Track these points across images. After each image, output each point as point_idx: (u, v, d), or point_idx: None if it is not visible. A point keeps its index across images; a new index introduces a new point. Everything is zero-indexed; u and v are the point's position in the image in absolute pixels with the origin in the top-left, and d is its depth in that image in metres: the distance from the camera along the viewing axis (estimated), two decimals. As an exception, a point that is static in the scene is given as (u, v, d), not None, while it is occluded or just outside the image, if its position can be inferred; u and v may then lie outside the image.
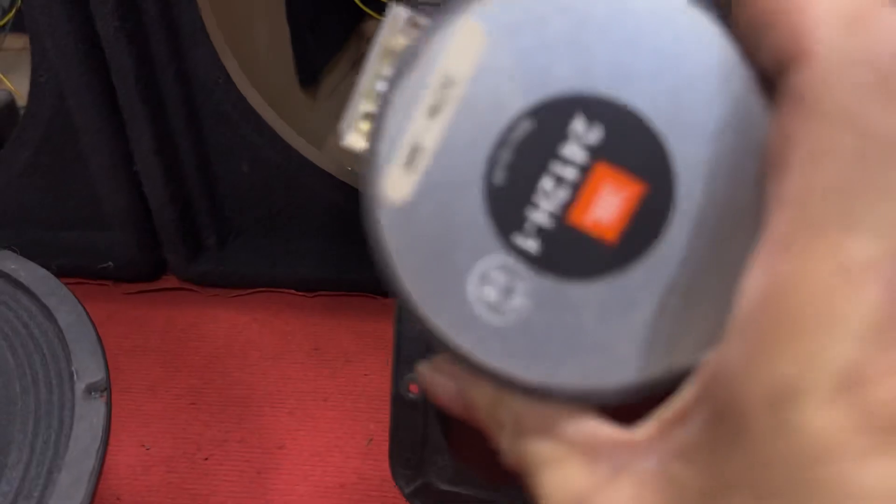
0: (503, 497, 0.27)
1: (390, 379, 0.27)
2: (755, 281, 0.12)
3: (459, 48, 0.13)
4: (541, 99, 0.13)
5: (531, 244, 0.13)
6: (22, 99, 0.53)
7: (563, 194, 0.13)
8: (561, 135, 0.13)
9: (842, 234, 0.11)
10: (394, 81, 0.14)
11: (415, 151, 0.14)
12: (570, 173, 0.13)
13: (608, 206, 0.13)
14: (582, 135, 0.13)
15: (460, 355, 0.14)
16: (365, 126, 0.14)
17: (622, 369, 0.14)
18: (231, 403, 0.50)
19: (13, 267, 0.34)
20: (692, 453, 0.13)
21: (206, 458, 0.47)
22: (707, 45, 0.13)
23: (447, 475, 0.28)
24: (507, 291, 0.14)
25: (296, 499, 0.44)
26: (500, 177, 0.13)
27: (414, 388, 0.27)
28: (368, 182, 0.14)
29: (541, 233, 0.13)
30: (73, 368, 0.30)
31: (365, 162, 0.14)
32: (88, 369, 0.31)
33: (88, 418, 0.29)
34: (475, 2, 0.13)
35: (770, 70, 0.12)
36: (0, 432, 0.28)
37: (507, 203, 0.13)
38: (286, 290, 0.57)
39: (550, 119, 0.13)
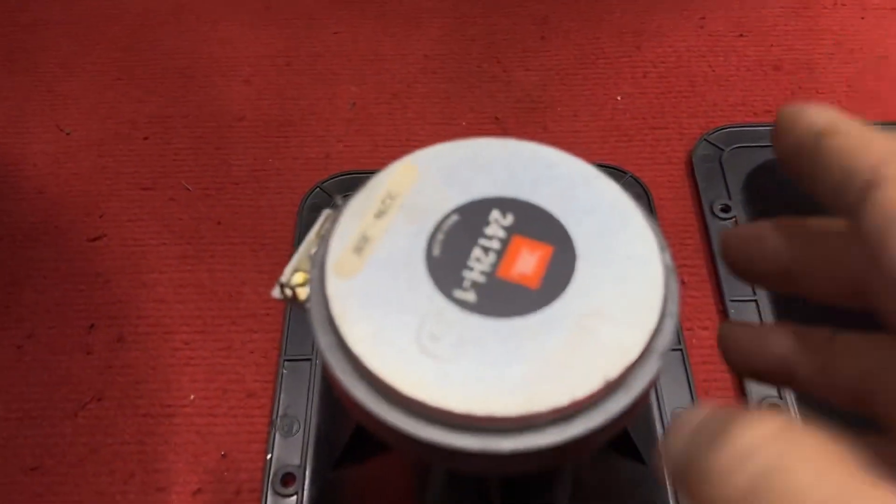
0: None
1: None
2: None
3: (398, 177, 0.19)
4: (464, 201, 0.19)
5: (470, 295, 0.17)
6: None
7: (490, 259, 0.18)
8: (483, 221, 0.19)
9: None
10: (344, 203, 0.19)
11: (363, 241, 0.18)
12: (494, 244, 0.18)
13: (527, 263, 0.18)
14: (499, 219, 0.19)
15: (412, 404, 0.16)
16: (298, 278, 0.18)
17: (557, 381, 0.16)
18: (168, 76, 0.40)
19: None
20: None
21: (146, 138, 0.37)
22: (572, 161, 0.20)
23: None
24: (449, 337, 0.17)
25: (257, 166, 0.35)
26: (437, 251, 0.18)
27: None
28: (319, 271, 0.18)
29: (476, 286, 0.17)
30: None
31: (316, 259, 0.18)
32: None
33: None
34: (408, 155, 0.19)
35: (835, 189, 0.16)
36: None
37: (445, 269, 0.18)
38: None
39: (473, 212, 0.19)
